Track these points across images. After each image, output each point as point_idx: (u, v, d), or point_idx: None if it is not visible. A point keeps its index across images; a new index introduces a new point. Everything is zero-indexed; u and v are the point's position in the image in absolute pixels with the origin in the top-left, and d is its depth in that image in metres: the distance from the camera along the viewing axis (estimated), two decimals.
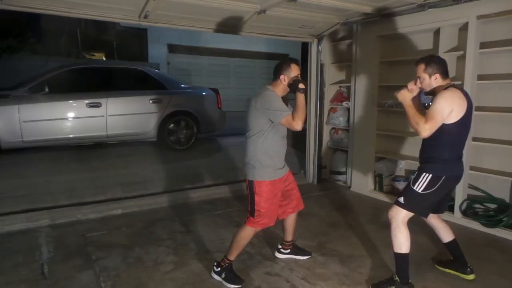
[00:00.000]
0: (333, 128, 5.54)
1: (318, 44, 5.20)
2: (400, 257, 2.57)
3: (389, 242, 3.41)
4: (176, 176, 5.49)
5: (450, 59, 4.10)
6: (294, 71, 2.68)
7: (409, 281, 2.59)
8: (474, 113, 3.77)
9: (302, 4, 3.82)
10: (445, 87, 2.50)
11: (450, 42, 4.06)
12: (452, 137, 2.50)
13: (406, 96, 2.58)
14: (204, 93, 7.62)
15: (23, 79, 6.67)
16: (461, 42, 4.00)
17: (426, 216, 2.78)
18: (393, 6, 4.12)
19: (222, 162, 6.50)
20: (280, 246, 3.16)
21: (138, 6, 3.73)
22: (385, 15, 4.29)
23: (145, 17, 3.87)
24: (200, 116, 7.21)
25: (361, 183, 4.97)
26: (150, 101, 6.79)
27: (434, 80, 2.51)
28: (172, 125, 7.05)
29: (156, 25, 4.19)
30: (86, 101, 6.32)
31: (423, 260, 3.09)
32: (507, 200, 3.82)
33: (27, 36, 10.97)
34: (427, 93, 2.61)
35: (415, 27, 4.21)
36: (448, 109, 2.39)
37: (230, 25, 4.42)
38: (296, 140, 7.29)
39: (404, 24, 4.27)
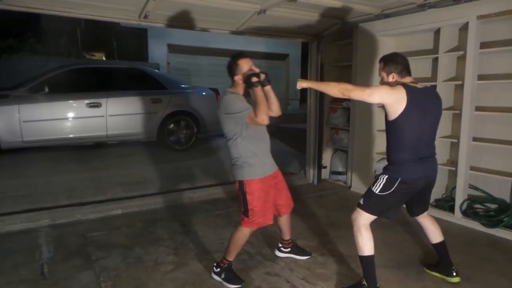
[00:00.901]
0: (333, 128, 5.54)
1: (318, 44, 5.20)
2: (363, 260, 2.55)
3: (389, 242, 3.43)
4: (176, 176, 5.49)
5: (450, 59, 4.11)
6: (244, 65, 2.60)
7: (377, 285, 2.55)
8: (474, 113, 3.81)
9: (302, 4, 3.82)
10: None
11: (450, 42, 4.06)
12: (404, 136, 2.44)
13: (302, 81, 2.72)
14: (204, 93, 7.63)
15: (23, 79, 6.67)
16: (461, 42, 4.00)
17: (391, 219, 2.70)
18: (393, 6, 4.12)
19: (222, 162, 6.50)
20: (280, 245, 3.17)
21: (138, 6, 3.73)
22: (385, 15, 4.29)
23: (145, 17, 3.87)
24: (200, 116, 7.21)
25: (361, 183, 4.97)
26: (150, 101, 6.79)
27: (392, 79, 2.52)
28: (172, 125, 7.05)
29: (156, 25, 4.19)
30: (86, 101, 6.33)
31: (423, 260, 3.09)
32: (508, 200, 3.81)
33: (27, 36, 10.97)
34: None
35: (415, 27, 4.20)
36: (381, 97, 2.42)
37: (230, 25, 4.42)
38: (296, 140, 7.30)
39: (404, 24, 4.26)
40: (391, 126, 2.47)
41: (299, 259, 3.11)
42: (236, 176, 2.71)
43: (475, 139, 3.86)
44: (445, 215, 4.02)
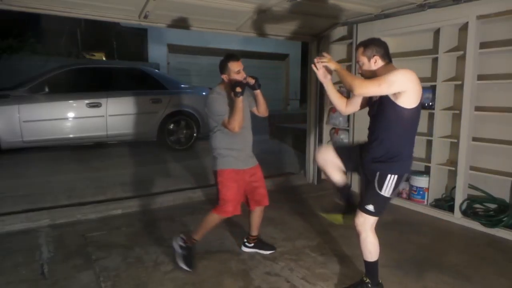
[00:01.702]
0: (333, 128, 5.54)
1: (318, 44, 5.20)
2: (371, 264, 2.51)
3: (389, 242, 3.43)
4: (176, 176, 5.50)
5: (450, 59, 4.11)
6: (233, 67, 2.74)
7: (379, 281, 2.56)
8: (474, 113, 3.81)
9: (302, 4, 3.82)
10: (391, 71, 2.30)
11: (450, 42, 4.06)
12: (415, 127, 2.37)
13: (332, 61, 2.43)
14: (204, 93, 7.62)
15: (23, 79, 6.67)
16: (461, 42, 4.00)
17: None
18: (392, 6, 4.12)
19: None
20: (245, 240, 3.24)
21: (138, 6, 3.74)
22: (385, 15, 4.30)
23: (145, 17, 3.87)
24: (200, 116, 7.21)
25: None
26: (150, 101, 6.79)
27: (374, 63, 2.35)
28: (172, 125, 7.05)
29: (156, 25, 4.19)
30: (86, 101, 6.33)
31: (423, 260, 3.09)
32: (507, 200, 3.81)
33: (27, 36, 10.97)
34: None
35: (415, 27, 4.20)
36: (402, 83, 2.19)
37: (230, 25, 4.43)
38: (296, 140, 7.30)
39: (404, 24, 4.26)
40: (406, 116, 2.26)
41: (263, 253, 3.17)
42: (212, 166, 2.92)
43: (474, 139, 3.86)
44: (444, 215, 4.03)
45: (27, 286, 2.69)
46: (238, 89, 2.64)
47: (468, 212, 3.87)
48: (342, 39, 5.29)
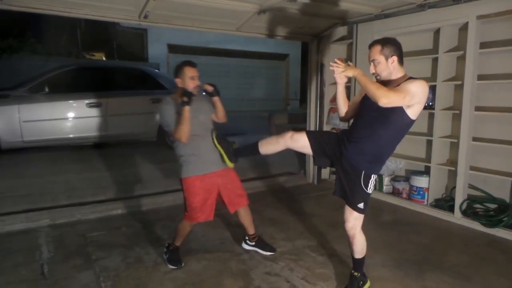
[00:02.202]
0: (333, 128, 5.53)
1: (318, 44, 5.20)
2: (360, 260, 2.57)
3: (389, 242, 3.43)
4: (176, 176, 5.48)
5: (450, 59, 4.11)
6: (188, 72, 2.77)
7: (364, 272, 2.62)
8: (474, 113, 3.81)
9: (302, 4, 3.82)
10: (407, 78, 2.29)
11: (450, 42, 4.06)
12: (405, 133, 2.38)
13: (351, 68, 2.32)
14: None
15: (23, 79, 6.67)
16: (461, 42, 4.00)
17: None
18: (392, 6, 4.12)
19: None
20: (246, 238, 3.25)
21: (138, 6, 3.74)
22: (385, 15, 4.30)
23: (145, 17, 3.87)
24: None
25: None
26: (150, 101, 6.79)
27: (391, 64, 2.26)
28: None
29: (156, 25, 4.19)
30: (86, 101, 6.32)
31: (423, 260, 3.09)
32: (507, 200, 3.81)
33: (27, 36, 10.98)
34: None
35: (415, 27, 4.20)
36: (421, 96, 2.20)
37: (230, 25, 4.43)
38: None
39: (404, 24, 4.26)
40: (406, 123, 2.28)
41: (262, 253, 3.18)
42: (177, 174, 2.93)
43: (474, 139, 3.86)
44: (445, 215, 4.03)
45: (27, 286, 2.69)
46: (185, 99, 2.65)
47: (468, 212, 3.87)
48: (342, 39, 5.29)
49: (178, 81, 2.80)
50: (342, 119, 2.69)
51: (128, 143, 7.30)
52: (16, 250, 3.23)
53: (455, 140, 3.97)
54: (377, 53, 2.28)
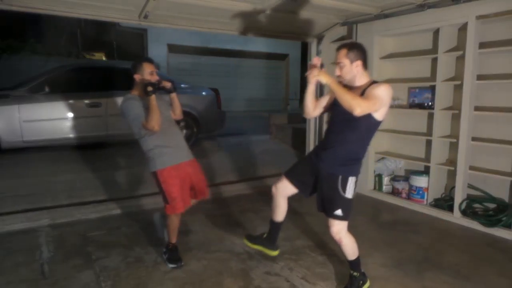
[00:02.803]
0: None
1: (318, 44, 5.20)
2: (355, 261, 2.58)
3: (388, 242, 3.44)
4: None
5: (450, 59, 4.11)
6: (147, 68, 2.84)
7: (362, 271, 2.63)
8: (474, 113, 3.82)
9: (302, 4, 3.83)
10: (371, 83, 2.39)
11: (449, 42, 4.07)
12: (374, 134, 2.50)
13: (325, 75, 2.34)
14: (204, 93, 7.62)
15: (23, 79, 6.67)
16: (460, 42, 4.00)
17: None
18: (392, 6, 4.13)
19: (221, 162, 6.50)
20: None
21: (138, 6, 3.74)
22: (384, 15, 4.30)
23: (145, 17, 3.88)
24: (200, 116, 7.21)
25: (361, 183, 4.93)
26: None
27: (355, 68, 2.37)
28: None
29: (156, 25, 4.19)
30: (86, 101, 6.33)
31: (422, 260, 3.10)
32: (506, 199, 3.82)
33: (27, 36, 10.98)
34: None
35: (414, 27, 4.21)
36: (387, 100, 2.32)
37: (230, 25, 4.43)
38: (296, 140, 7.30)
39: (404, 24, 4.27)
40: (373, 125, 2.43)
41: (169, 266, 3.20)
42: (149, 169, 2.91)
43: (474, 139, 3.87)
44: (444, 215, 4.03)
45: (27, 286, 2.70)
46: (149, 88, 2.71)
47: (468, 211, 3.88)
48: (342, 39, 5.29)
49: (137, 77, 2.87)
50: (306, 116, 2.75)
51: (128, 143, 7.30)
52: (16, 250, 3.23)
53: (455, 140, 3.98)
54: (343, 57, 2.37)
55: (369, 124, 2.40)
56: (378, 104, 2.28)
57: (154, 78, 2.87)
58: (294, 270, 2.93)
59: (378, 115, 2.37)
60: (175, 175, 2.87)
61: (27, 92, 6.08)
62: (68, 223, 3.85)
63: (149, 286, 2.70)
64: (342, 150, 2.46)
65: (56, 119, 6.16)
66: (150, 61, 2.92)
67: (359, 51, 2.38)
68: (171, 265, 2.96)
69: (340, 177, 2.44)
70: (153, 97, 2.71)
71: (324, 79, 2.33)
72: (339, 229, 2.49)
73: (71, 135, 6.31)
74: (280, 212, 2.84)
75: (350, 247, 2.54)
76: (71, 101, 6.30)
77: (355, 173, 2.48)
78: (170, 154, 2.88)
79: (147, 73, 2.85)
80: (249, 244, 3.03)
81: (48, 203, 4.20)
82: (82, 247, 3.31)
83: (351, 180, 2.45)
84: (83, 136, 6.42)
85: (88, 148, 6.88)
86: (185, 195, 2.95)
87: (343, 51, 2.37)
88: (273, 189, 2.80)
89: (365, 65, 2.41)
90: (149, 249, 3.27)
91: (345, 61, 2.37)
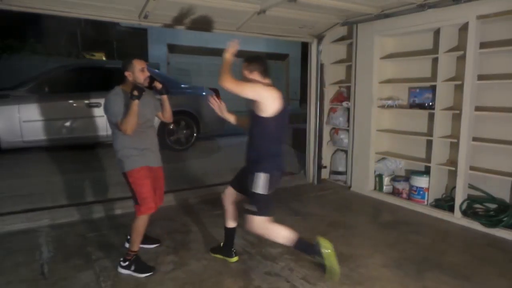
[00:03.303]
0: (333, 128, 5.54)
1: (318, 44, 5.20)
2: (296, 245, 2.68)
3: (389, 242, 3.43)
4: (176, 176, 5.48)
5: (450, 59, 4.11)
6: (138, 65, 2.85)
7: (314, 243, 2.69)
8: (474, 113, 3.82)
9: (302, 4, 3.82)
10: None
11: (450, 42, 4.06)
12: (272, 131, 2.65)
13: (229, 52, 2.71)
14: (204, 93, 7.62)
15: (23, 79, 6.67)
16: (461, 42, 4.00)
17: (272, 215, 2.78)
18: (392, 6, 4.12)
19: (222, 162, 6.50)
20: (129, 237, 3.13)
21: (138, 6, 3.74)
22: (385, 15, 4.30)
23: (145, 17, 3.87)
24: (200, 116, 7.21)
25: (361, 183, 4.97)
26: None
27: (253, 77, 2.71)
28: (172, 125, 7.04)
29: (156, 25, 4.19)
30: (86, 101, 6.32)
31: (423, 260, 3.09)
32: (507, 200, 3.82)
33: (27, 36, 10.97)
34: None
35: (415, 27, 4.21)
36: (254, 92, 2.55)
37: (230, 25, 4.43)
38: (296, 140, 7.29)
39: (404, 24, 4.27)
40: (263, 122, 2.61)
41: (148, 248, 3.22)
42: (120, 169, 2.90)
43: (475, 139, 3.86)
44: (445, 215, 4.03)
45: (27, 286, 2.69)
46: (135, 93, 2.69)
47: (468, 212, 3.87)
48: (342, 39, 5.29)
49: (128, 74, 2.86)
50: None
51: None
52: (16, 250, 3.23)
53: (455, 140, 3.98)
54: (244, 69, 2.76)
55: (262, 120, 2.60)
56: (248, 90, 2.55)
57: (146, 74, 2.88)
58: (295, 271, 2.93)
59: (264, 113, 2.57)
60: (147, 175, 2.87)
61: (27, 92, 6.08)
62: (68, 223, 3.85)
63: (149, 286, 2.70)
64: (251, 148, 2.74)
65: (56, 119, 6.16)
66: (140, 58, 2.94)
67: (256, 65, 2.72)
68: (144, 275, 2.81)
69: (253, 173, 2.63)
70: (135, 102, 2.69)
71: (227, 54, 2.70)
72: (251, 224, 2.66)
73: (71, 135, 6.31)
74: (231, 217, 3.02)
75: (278, 238, 2.68)
76: (71, 101, 6.30)
77: (265, 170, 2.61)
78: (140, 156, 2.87)
79: (138, 69, 2.85)
80: (212, 254, 3.14)
81: (48, 203, 4.20)
82: (82, 247, 3.31)
83: (262, 177, 2.60)
84: (83, 136, 6.42)
85: (88, 148, 6.88)
86: (155, 195, 2.95)
87: (244, 65, 2.76)
88: (222, 196, 3.02)
89: (264, 75, 2.71)
90: (149, 249, 3.26)
91: (245, 72, 2.74)
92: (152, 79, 2.94)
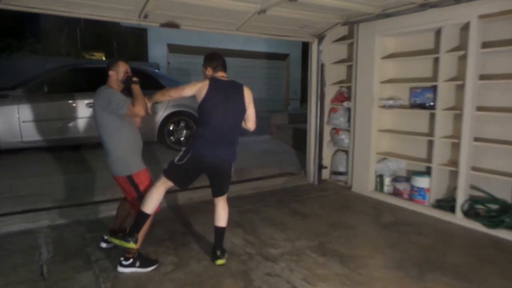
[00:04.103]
0: (333, 128, 5.53)
1: (319, 44, 5.19)
2: (142, 216, 2.80)
3: (390, 243, 3.42)
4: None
5: (451, 59, 4.10)
6: (121, 66, 3.02)
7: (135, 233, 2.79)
8: (476, 113, 3.80)
9: (302, 4, 3.81)
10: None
11: (451, 42, 4.05)
12: (205, 117, 2.90)
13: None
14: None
15: (22, 79, 6.65)
16: (462, 42, 3.98)
17: (180, 187, 3.19)
18: (393, 6, 4.11)
19: None
20: (105, 237, 3.26)
21: (138, 6, 3.73)
22: (385, 15, 4.28)
23: (145, 17, 3.86)
24: None
25: (362, 184, 4.96)
26: None
27: (208, 73, 3.03)
28: (172, 125, 7.03)
29: (156, 25, 4.18)
30: (86, 101, 6.30)
31: (424, 261, 3.08)
32: (509, 200, 3.80)
33: (27, 36, 10.96)
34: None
35: (416, 27, 4.19)
36: (188, 90, 2.95)
37: (230, 25, 4.41)
38: (297, 140, 7.29)
39: (405, 24, 4.25)
40: (198, 109, 2.94)
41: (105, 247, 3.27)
42: (121, 172, 2.95)
43: (476, 139, 3.85)
44: (446, 216, 4.01)
45: (26, 287, 2.68)
46: (135, 79, 2.93)
47: (470, 212, 3.86)
48: (342, 38, 5.28)
49: (112, 73, 3.01)
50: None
51: None
52: (16, 251, 3.22)
53: (457, 141, 3.96)
54: (202, 66, 3.09)
55: (198, 107, 2.98)
56: (182, 90, 3.01)
57: (128, 75, 3.05)
58: (295, 271, 2.91)
59: (198, 102, 2.94)
60: (148, 175, 3.02)
61: (26, 92, 6.06)
62: (67, 224, 3.84)
63: (149, 287, 2.69)
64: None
65: (55, 119, 6.15)
66: (125, 60, 3.11)
67: (209, 61, 3.05)
68: (150, 268, 2.90)
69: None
70: (138, 85, 2.90)
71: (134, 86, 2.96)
72: (158, 179, 2.89)
73: (71, 135, 6.30)
74: (216, 217, 3.12)
75: (151, 196, 2.83)
76: (70, 101, 6.29)
77: (187, 146, 2.93)
78: (139, 157, 3.02)
79: (122, 71, 3.01)
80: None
81: (47, 203, 4.19)
82: (81, 248, 3.30)
83: (182, 150, 2.93)
84: (83, 136, 6.41)
85: (87, 149, 6.87)
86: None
87: (203, 62, 3.08)
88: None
89: (219, 68, 3.03)
90: (148, 250, 3.24)
91: (203, 69, 3.08)
92: (130, 78, 3.05)
